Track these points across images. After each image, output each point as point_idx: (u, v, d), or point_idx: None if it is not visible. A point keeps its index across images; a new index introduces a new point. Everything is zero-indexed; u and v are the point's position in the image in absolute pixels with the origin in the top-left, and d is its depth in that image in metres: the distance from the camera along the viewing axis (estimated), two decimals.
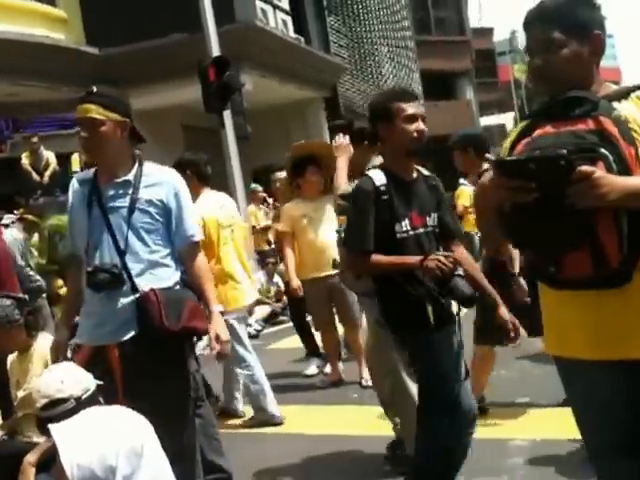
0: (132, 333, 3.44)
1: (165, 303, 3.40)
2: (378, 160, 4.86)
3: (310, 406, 6.44)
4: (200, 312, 3.57)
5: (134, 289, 3.46)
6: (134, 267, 3.48)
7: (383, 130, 3.64)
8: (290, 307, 8.51)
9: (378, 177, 3.59)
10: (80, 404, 2.79)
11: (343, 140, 4.76)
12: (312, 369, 7.67)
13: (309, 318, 7.94)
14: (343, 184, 4.64)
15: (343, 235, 4.00)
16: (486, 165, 5.27)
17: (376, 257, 3.52)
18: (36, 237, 9.21)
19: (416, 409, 3.74)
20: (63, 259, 7.95)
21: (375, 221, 3.53)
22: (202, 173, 5.75)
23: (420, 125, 3.59)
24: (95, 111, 3.45)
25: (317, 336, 7.75)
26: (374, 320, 4.53)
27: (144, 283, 3.46)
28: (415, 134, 3.57)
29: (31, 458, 3.81)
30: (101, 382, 2.98)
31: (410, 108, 3.57)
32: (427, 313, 3.52)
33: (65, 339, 3.70)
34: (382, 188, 3.55)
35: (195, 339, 3.76)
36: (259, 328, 10.43)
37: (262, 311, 11.01)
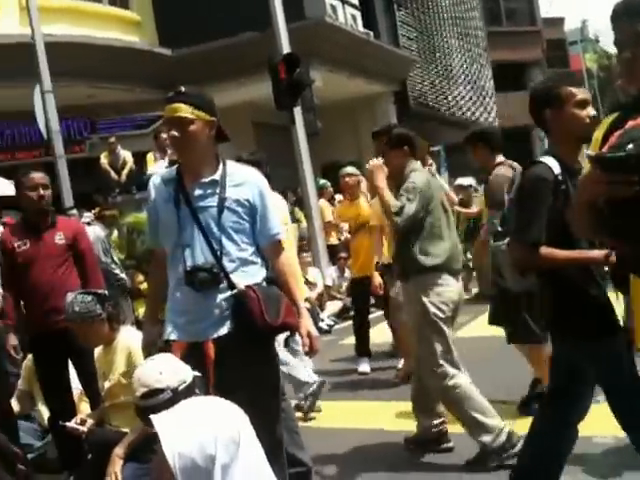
0: (228, 329, 3.52)
1: (264, 299, 3.47)
2: (415, 165, 4.89)
3: (383, 402, 6.43)
4: (292, 308, 3.63)
5: (230, 286, 3.53)
6: (228, 265, 3.54)
7: (552, 116, 3.34)
8: (355, 303, 8.41)
9: (554, 165, 3.28)
10: (177, 395, 2.86)
11: (375, 161, 4.76)
12: (365, 366, 7.65)
13: (375, 315, 7.91)
14: (392, 201, 4.64)
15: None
16: (499, 159, 5.41)
17: (548, 250, 3.21)
18: (115, 234, 9.43)
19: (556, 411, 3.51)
20: (141, 255, 8.14)
21: (549, 212, 3.23)
22: (262, 173, 5.82)
23: (591, 111, 3.34)
24: (185, 110, 3.49)
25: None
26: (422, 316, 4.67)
27: (237, 280, 3.53)
28: (587, 120, 3.31)
29: (119, 451, 3.99)
30: (198, 374, 3.05)
31: (580, 93, 3.33)
32: (612, 315, 3.26)
33: (155, 337, 3.79)
34: (560, 177, 3.26)
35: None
36: (331, 323, 10.48)
37: (334, 306, 11.08)
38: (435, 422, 4.97)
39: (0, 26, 14.60)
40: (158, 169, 6.88)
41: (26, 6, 11.76)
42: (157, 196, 3.69)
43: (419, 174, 4.81)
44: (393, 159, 4.83)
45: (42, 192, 5.19)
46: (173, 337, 3.62)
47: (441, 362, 4.64)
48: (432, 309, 4.67)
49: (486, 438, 4.52)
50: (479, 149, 5.53)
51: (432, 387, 4.79)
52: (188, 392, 2.91)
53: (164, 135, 10.26)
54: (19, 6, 14.38)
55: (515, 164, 5.44)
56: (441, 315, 4.67)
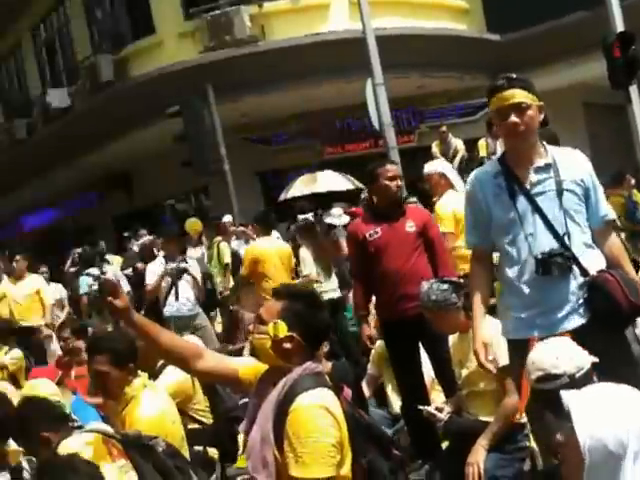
0: (586, 317, 3.39)
1: (624, 282, 3.33)
2: None
3: None
4: None
5: (582, 272, 3.40)
6: (576, 250, 3.43)
7: None
8: None
9: None
10: (574, 382, 2.75)
11: None
12: None
13: None
14: None
15: None
16: None
17: None
18: None
19: None
20: None
21: None
22: None
23: None
24: (522, 95, 3.44)
25: None
26: None
27: (586, 265, 3.41)
28: None
29: (483, 441, 3.97)
30: (597, 359, 2.93)
31: None
32: None
33: (491, 336, 3.70)
34: None
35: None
36: None
37: None
38: None
39: (331, 23, 15.40)
40: (439, 167, 7.00)
41: (357, 1, 12.14)
42: (485, 192, 3.60)
43: None
44: None
45: (399, 183, 5.40)
46: (512, 335, 3.55)
47: None
48: None
49: None
50: None
51: None
52: (586, 379, 2.76)
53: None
54: (349, 2, 15.00)
55: None
56: None
